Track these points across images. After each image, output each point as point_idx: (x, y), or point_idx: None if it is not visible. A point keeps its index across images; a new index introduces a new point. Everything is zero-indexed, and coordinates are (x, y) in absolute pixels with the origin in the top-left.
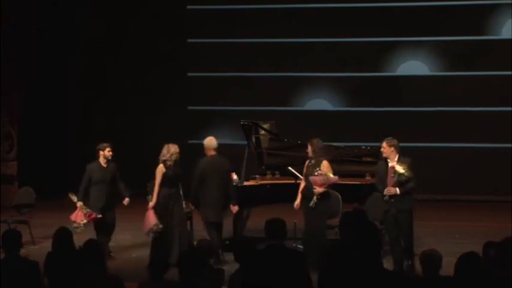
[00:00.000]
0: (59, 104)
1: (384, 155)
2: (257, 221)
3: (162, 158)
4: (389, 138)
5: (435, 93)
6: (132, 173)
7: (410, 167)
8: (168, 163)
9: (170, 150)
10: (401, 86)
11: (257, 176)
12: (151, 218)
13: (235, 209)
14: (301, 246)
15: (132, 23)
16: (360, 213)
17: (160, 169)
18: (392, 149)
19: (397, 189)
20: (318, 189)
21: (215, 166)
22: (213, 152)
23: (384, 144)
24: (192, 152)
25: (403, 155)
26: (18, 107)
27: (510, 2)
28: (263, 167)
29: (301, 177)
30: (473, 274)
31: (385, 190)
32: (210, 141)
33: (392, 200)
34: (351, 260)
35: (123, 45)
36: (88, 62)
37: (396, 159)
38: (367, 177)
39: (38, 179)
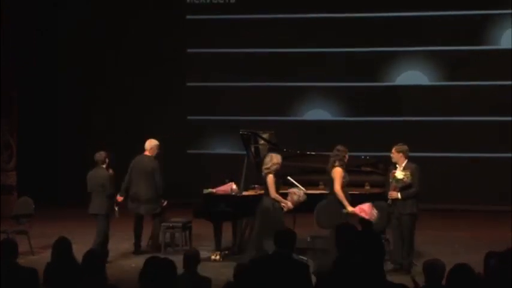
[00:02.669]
0: (59, 104)
1: (393, 160)
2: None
3: (265, 166)
4: (400, 144)
5: (434, 103)
6: None
7: (414, 173)
8: (266, 171)
9: (273, 161)
10: (400, 95)
11: (256, 185)
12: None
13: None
14: (304, 258)
15: (132, 26)
16: (365, 225)
17: (271, 178)
18: (401, 154)
19: (399, 193)
20: (359, 212)
21: (141, 164)
22: (145, 152)
23: (393, 150)
24: (191, 162)
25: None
26: (17, 109)
27: (509, 12)
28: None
29: (300, 187)
30: (464, 285)
31: (388, 194)
32: (147, 142)
33: (396, 204)
34: (350, 267)
35: (123, 47)
36: (88, 62)
37: (404, 164)
38: (366, 187)
39: (37, 189)
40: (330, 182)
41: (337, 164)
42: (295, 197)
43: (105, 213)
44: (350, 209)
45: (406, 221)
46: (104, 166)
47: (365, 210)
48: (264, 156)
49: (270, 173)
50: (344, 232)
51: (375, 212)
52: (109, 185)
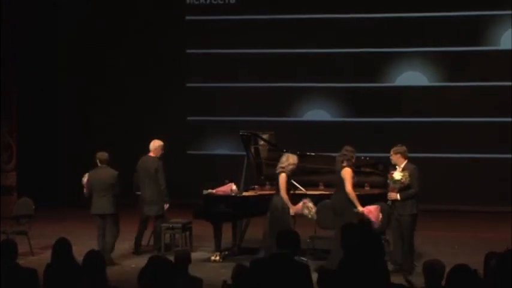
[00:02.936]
0: (59, 104)
1: (392, 162)
2: (256, 231)
3: (280, 165)
4: (398, 145)
5: (434, 104)
6: (130, 177)
7: (413, 174)
8: (281, 170)
9: (289, 161)
10: (400, 96)
11: (256, 186)
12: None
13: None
14: (304, 259)
15: (132, 27)
16: (364, 224)
17: (284, 177)
18: (399, 156)
19: (398, 194)
20: (366, 213)
21: (145, 165)
22: (150, 153)
23: (391, 151)
24: (190, 162)
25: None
26: (17, 109)
27: (509, 12)
28: (262, 178)
29: (300, 187)
30: (463, 286)
31: (388, 195)
32: (151, 143)
33: (396, 205)
34: (356, 268)
35: (123, 47)
36: (88, 62)
37: (403, 165)
38: (366, 188)
39: (37, 189)
40: (338, 182)
41: (345, 164)
42: (305, 211)
43: (116, 213)
44: (360, 209)
45: (406, 221)
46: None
47: (372, 212)
48: (280, 156)
49: (283, 172)
50: (350, 233)
51: (380, 216)
52: (118, 185)
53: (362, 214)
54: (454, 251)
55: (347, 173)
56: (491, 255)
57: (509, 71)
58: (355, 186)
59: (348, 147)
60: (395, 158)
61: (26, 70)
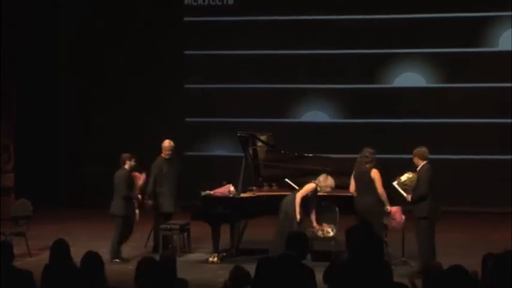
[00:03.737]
0: (59, 104)
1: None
2: (254, 232)
3: (316, 182)
4: (418, 147)
5: (432, 105)
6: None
7: (422, 176)
8: (316, 185)
9: (327, 182)
10: (398, 97)
11: (254, 187)
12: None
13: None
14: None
15: (132, 27)
16: (365, 225)
17: (311, 187)
18: (416, 157)
19: (409, 196)
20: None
21: None
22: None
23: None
24: (189, 164)
25: (410, 167)
26: (17, 109)
27: (508, 13)
28: (260, 179)
29: (296, 187)
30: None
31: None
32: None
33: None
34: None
35: (122, 47)
36: (87, 63)
37: (420, 167)
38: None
39: (35, 190)
40: (362, 184)
41: (369, 166)
42: (319, 233)
43: (120, 215)
44: (389, 208)
45: (419, 224)
46: (127, 167)
47: (397, 212)
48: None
49: (316, 186)
50: (354, 235)
51: (403, 216)
52: (124, 186)
53: (389, 213)
54: (453, 252)
55: (377, 174)
56: (489, 256)
57: (508, 72)
58: (346, 187)
59: (369, 149)
60: (414, 159)
61: (26, 70)
